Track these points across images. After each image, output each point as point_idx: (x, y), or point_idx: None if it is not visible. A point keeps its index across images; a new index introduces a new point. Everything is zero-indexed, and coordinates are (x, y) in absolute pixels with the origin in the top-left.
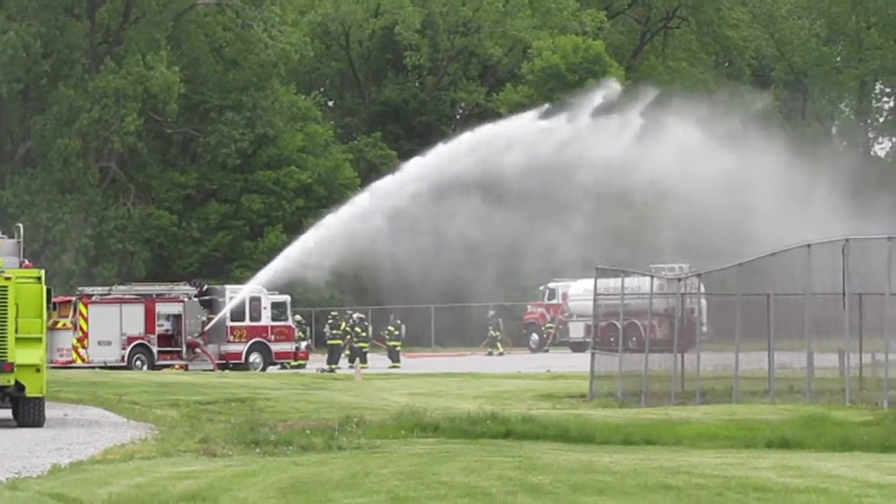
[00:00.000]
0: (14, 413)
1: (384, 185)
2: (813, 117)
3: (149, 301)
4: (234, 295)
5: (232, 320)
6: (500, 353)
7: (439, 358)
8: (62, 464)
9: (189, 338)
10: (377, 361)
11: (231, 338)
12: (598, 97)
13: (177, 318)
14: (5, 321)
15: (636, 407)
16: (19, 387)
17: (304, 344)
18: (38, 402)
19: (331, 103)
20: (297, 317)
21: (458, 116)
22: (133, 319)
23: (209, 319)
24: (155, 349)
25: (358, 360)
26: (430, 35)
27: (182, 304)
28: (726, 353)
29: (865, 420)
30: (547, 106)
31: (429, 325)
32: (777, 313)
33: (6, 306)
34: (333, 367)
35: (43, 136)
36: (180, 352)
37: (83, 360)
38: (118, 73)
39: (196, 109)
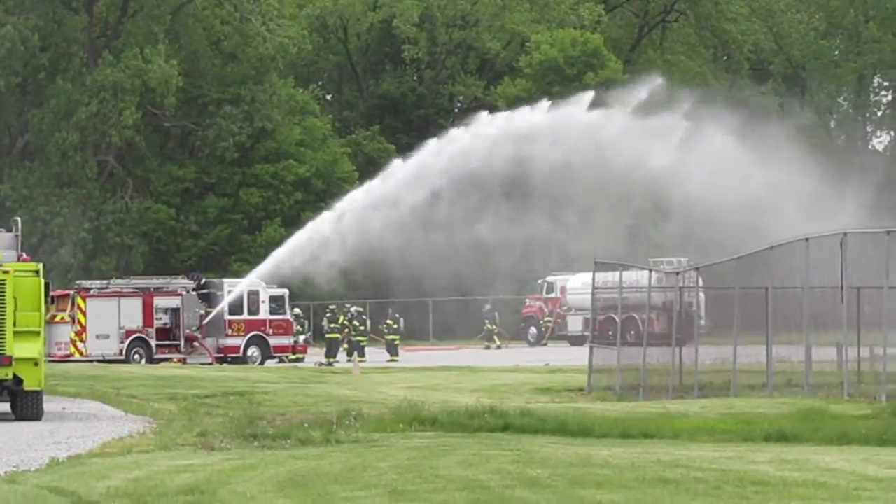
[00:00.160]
0: (12, 407)
1: (403, 174)
2: (811, 111)
3: (147, 295)
4: (233, 288)
5: (230, 314)
6: (499, 347)
7: (437, 352)
8: (60, 457)
9: (187, 331)
10: (375, 355)
11: (229, 331)
12: (642, 93)
13: (175, 312)
14: (3, 315)
15: (634, 400)
16: (17, 380)
17: (302, 338)
18: (37, 396)
19: (329, 97)
20: (297, 310)
21: (456, 110)
22: (131, 313)
23: (207, 313)
24: (153, 343)
25: (356, 353)
26: (428, 28)
27: (180, 297)
28: (724, 346)
29: (863, 414)
30: (592, 96)
31: (427, 318)
32: (775, 307)
33: (4, 300)
34: (331, 360)
35: (41, 129)
36: (178, 345)
37: (81, 354)
38: (116, 67)
39: (194, 103)
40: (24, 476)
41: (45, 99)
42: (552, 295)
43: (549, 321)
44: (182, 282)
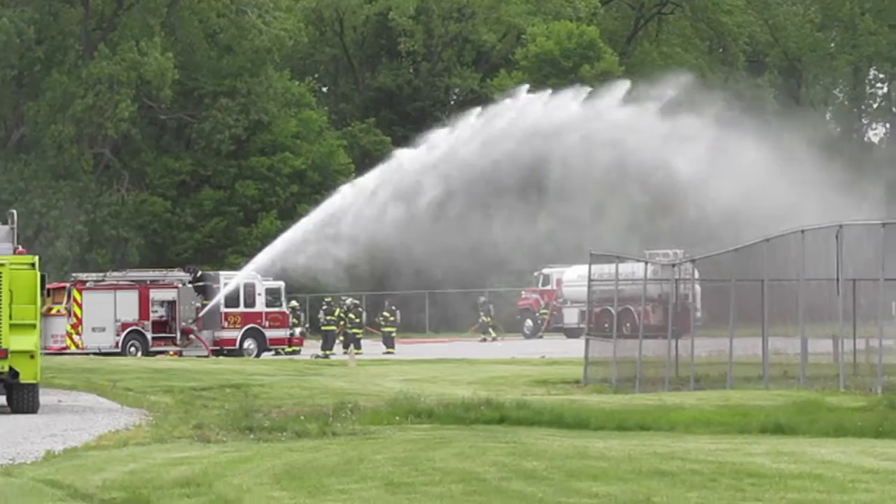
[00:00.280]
0: (8, 399)
1: (420, 165)
2: (807, 103)
3: (143, 287)
4: (229, 281)
5: (226, 306)
6: (494, 339)
7: (433, 344)
8: (56, 450)
9: (183, 324)
10: (371, 347)
11: (225, 324)
12: (671, 90)
13: (171, 305)
14: None
15: (630, 393)
16: (13, 373)
17: (297, 330)
18: (33, 389)
19: (325, 89)
20: (294, 302)
21: (452, 102)
22: (127, 306)
23: (203, 306)
24: (149, 335)
25: (352, 346)
26: (424, 21)
27: (176, 290)
28: (720, 338)
29: (859, 406)
30: (626, 89)
31: (422, 311)
32: (771, 299)
33: (0, 293)
34: (328, 353)
35: (36, 122)
36: (174, 338)
37: (77, 347)
38: (112, 60)
39: (190, 95)
40: (20, 469)
41: (40, 91)
42: (548, 287)
43: (545, 313)
44: (178, 274)
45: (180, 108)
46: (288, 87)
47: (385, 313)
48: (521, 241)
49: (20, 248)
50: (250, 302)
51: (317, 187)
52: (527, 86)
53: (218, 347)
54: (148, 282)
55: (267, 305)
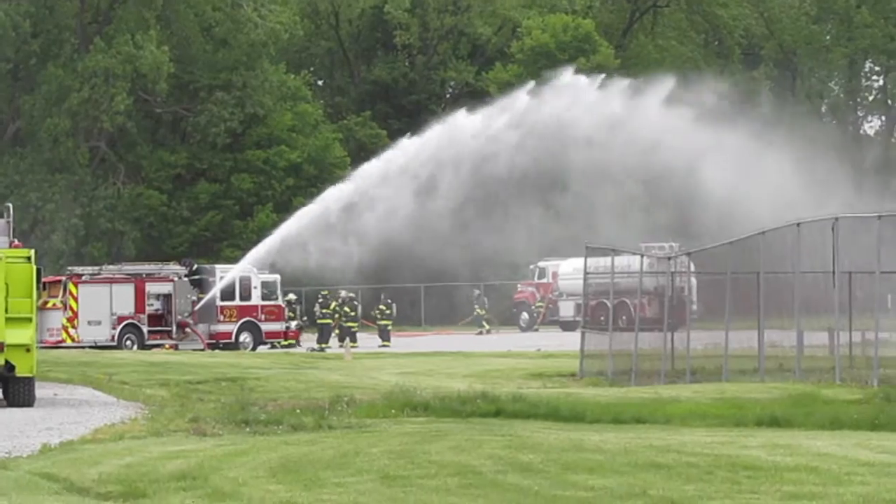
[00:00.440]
0: (4, 393)
1: (429, 152)
2: (803, 96)
3: (139, 281)
4: (224, 274)
5: (222, 300)
6: (488, 332)
7: (429, 337)
8: (52, 443)
9: (179, 317)
10: (367, 341)
11: (221, 317)
12: (710, 97)
13: (167, 298)
14: None
15: (626, 386)
16: (9, 367)
17: (293, 323)
18: (28, 382)
19: (320, 83)
20: (291, 296)
21: (447, 95)
22: (123, 299)
23: (199, 299)
24: (145, 329)
25: (347, 339)
26: (419, 14)
27: (172, 283)
28: (716, 331)
29: (855, 398)
30: (670, 89)
31: (418, 304)
32: (767, 292)
33: None
34: (323, 346)
35: (32, 115)
36: (170, 331)
37: (73, 340)
38: (108, 53)
39: (186, 89)
40: (16, 462)
41: (36, 85)
42: (544, 280)
43: (540, 306)
44: (174, 268)
45: (176, 102)
46: (283, 81)
47: (381, 306)
48: (517, 234)
49: (16, 242)
50: (246, 295)
51: (312, 181)
52: (532, 83)
53: (214, 341)
54: (144, 275)
55: (263, 299)
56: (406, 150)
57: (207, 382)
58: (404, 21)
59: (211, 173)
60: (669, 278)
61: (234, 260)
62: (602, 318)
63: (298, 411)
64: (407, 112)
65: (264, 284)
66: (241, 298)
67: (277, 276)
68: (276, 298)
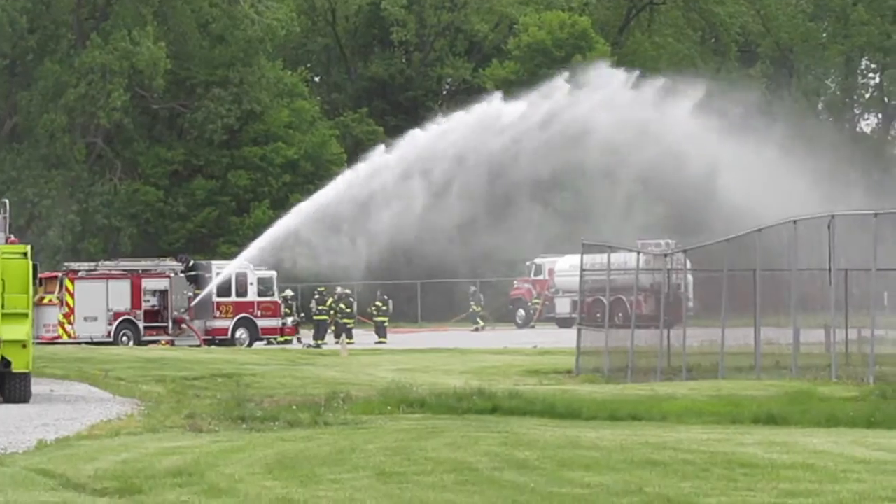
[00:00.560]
0: (0, 388)
1: (438, 148)
2: (799, 93)
3: (135, 277)
4: (221, 271)
5: (218, 296)
6: (483, 328)
7: (425, 334)
8: (48, 439)
9: (175, 313)
10: (363, 337)
11: (217, 313)
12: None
13: (163, 294)
14: None
15: (622, 383)
16: (5, 362)
17: (290, 319)
18: (25, 378)
19: (317, 79)
20: (288, 292)
21: (444, 92)
22: (119, 295)
23: (195, 295)
24: (141, 325)
25: (343, 335)
26: (416, 11)
27: (168, 279)
28: (712, 328)
29: (851, 396)
30: (701, 96)
31: (415, 300)
32: (763, 289)
33: None
34: (320, 342)
35: (29, 111)
36: (166, 327)
37: (69, 336)
38: (104, 49)
39: (182, 85)
40: (11, 458)
41: (33, 81)
42: (540, 277)
43: (537, 303)
44: (170, 264)
45: (172, 98)
46: (280, 77)
47: (377, 303)
48: (514, 231)
49: (12, 238)
50: (242, 291)
51: (309, 177)
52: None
53: (210, 337)
54: (140, 271)
55: (259, 295)
56: (419, 145)
57: (203, 379)
58: (401, 17)
59: (207, 170)
60: (666, 275)
61: (230, 256)
62: (598, 315)
63: (294, 408)
64: (404, 109)
65: (260, 281)
66: (238, 295)
67: (273, 273)
68: (273, 295)
